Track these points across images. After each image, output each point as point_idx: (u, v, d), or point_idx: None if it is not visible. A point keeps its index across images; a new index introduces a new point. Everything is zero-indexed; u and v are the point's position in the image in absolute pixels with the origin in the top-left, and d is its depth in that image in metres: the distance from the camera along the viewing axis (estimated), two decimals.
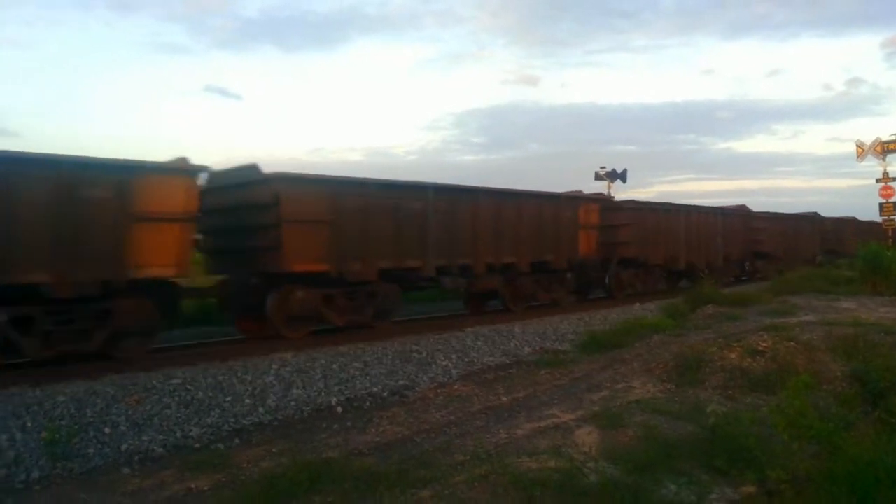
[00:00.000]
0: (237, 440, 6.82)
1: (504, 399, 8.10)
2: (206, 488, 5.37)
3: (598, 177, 30.26)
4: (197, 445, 6.66)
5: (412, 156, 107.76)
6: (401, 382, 8.96)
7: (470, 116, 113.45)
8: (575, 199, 16.57)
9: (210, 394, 7.75)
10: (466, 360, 10.29)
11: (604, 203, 18.09)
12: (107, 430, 6.62)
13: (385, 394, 8.53)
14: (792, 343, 9.60)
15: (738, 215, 24.85)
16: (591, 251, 16.75)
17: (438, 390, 8.68)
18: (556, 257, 15.55)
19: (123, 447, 6.40)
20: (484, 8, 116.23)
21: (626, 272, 18.69)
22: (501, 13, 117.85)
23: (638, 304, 16.48)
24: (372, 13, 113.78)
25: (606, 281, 18.12)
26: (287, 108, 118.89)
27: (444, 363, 9.95)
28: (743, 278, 25.46)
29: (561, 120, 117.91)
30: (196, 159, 9.74)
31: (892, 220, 29.94)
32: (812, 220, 31.24)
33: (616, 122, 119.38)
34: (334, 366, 9.09)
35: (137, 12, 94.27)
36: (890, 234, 28.75)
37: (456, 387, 8.85)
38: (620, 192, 29.66)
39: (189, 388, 7.80)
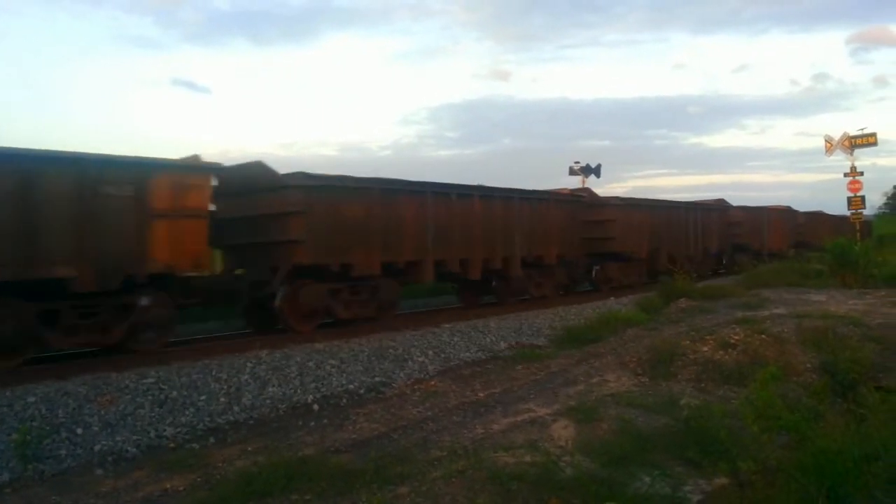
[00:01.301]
0: (212, 439, 6.77)
1: (480, 394, 8.13)
2: (181, 488, 5.33)
3: (571, 171, 30.41)
4: (171, 445, 6.60)
5: (386, 151, 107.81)
6: (377, 379, 8.95)
7: (444, 111, 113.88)
8: (139, 168, 9.43)
9: (184, 393, 7.68)
10: (443, 356, 10.30)
11: (242, 175, 11.22)
12: (79, 431, 6.54)
13: (361, 391, 8.52)
14: (763, 336, 9.76)
15: (559, 202, 17.36)
16: (189, 257, 9.88)
17: (415, 386, 8.69)
18: (84, 270, 8.85)
19: (96, 448, 6.33)
20: (457, 2, 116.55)
21: (309, 289, 11.39)
22: (474, 7, 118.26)
23: (612, 299, 16.60)
24: (344, 6, 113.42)
25: (276, 304, 11.07)
26: (258, 102, 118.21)
27: (420, 359, 9.96)
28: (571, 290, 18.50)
29: (534, 115, 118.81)
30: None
31: (860, 213, 30.46)
32: (709, 209, 24.08)
33: (589, 118, 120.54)
34: (310, 363, 9.06)
35: (106, 3, 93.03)
36: (858, 227, 29.24)
37: (433, 383, 8.87)
38: (595, 188, 29.84)
39: (163, 387, 7.72)
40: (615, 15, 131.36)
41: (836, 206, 36.57)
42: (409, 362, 9.77)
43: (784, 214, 30.53)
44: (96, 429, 6.65)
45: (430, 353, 10.30)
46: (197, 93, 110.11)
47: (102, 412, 6.94)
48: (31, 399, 6.96)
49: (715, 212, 24.58)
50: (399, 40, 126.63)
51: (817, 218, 35.69)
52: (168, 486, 5.38)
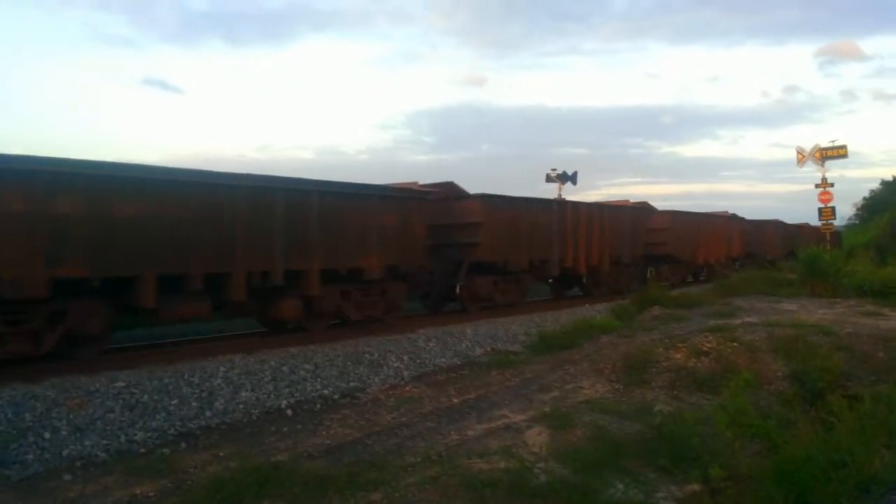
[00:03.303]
0: (183, 444, 6.68)
1: (455, 400, 8.12)
2: (151, 494, 5.25)
3: (548, 178, 30.52)
4: (142, 450, 6.49)
5: (363, 155, 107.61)
6: (352, 384, 8.90)
7: (421, 116, 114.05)
8: None
9: (155, 397, 7.58)
10: (418, 361, 10.28)
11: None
12: (47, 436, 6.42)
13: (336, 396, 8.47)
14: (735, 344, 9.89)
15: None
16: None
17: (390, 392, 8.65)
18: None
19: (65, 452, 6.21)
20: (435, 8, 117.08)
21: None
22: (453, 14, 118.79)
23: (587, 305, 16.69)
24: (323, 8, 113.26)
25: None
26: (234, 103, 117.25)
27: (395, 364, 9.93)
28: None
29: (512, 122, 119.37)
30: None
31: (831, 224, 30.97)
32: (345, 194, 11.84)
33: (566, 125, 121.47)
34: (284, 368, 8.99)
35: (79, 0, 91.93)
36: (828, 238, 29.69)
37: (407, 388, 8.84)
38: (571, 195, 30.00)
39: (133, 391, 7.61)
40: (593, 24, 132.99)
41: (809, 216, 36.36)
42: (385, 367, 9.74)
43: (612, 213, 19.40)
44: (65, 433, 6.52)
45: (406, 358, 10.28)
46: (169, 93, 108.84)
47: (71, 416, 6.82)
48: None
49: (379, 201, 12.39)
50: (378, 45, 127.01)
51: (701, 223, 25.13)
52: (138, 491, 5.30)
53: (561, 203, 17.80)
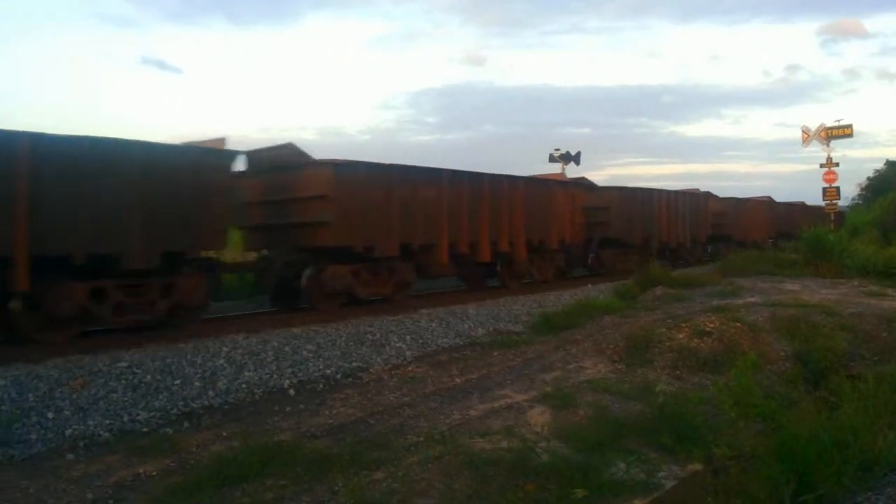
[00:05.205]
0: (186, 424, 6.69)
1: (458, 380, 8.13)
2: (154, 473, 5.27)
3: (552, 159, 30.46)
4: (145, 430, 6.51)
5: (365, 135, 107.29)
6: (354, 364, 8.91)
7: (424, 96, 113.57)
8: None
9: (158, 377, 7.59)
10: (420, 341, 10.28)
11: None
12: (50, 415, 6.44)
13: (338, 375, 8.47)
14: (738, 324, 9.86)
15: None
16: None
17: (392, 372, 8.66)
18: None
19: (67, 432, 6.23)
20: None
21: None
22: None
23: (590, 285, 16.68)
24: None
25: None
26: (235, 83, 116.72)
27: (398, 345, 9.93)
28: None
29: (515, 101, 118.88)
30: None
31: (835, 203, 30.83)
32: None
33: (570, 105, 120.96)
34: (287, 348, 9.00)
35: None
36: (833, 218, 29.56)
37: (410, 368, 8.84)
38: (574, 175, 29.94)
39: (136, 371, 7.62)
40: (597, 2, 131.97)
41: (814, 196, 35.24)
42: (387, 347, 9.74)
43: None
44: (68, 413, 6.54)
45: (408, 338, 10.28)
46: (167, 72, 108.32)
47: (74, 396, 6.84)
48: (1, 382, 6.83)
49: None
50: (380, 23, 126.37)
51: (475, 186, 14.49)
52: (141, 470, 5.31)
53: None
